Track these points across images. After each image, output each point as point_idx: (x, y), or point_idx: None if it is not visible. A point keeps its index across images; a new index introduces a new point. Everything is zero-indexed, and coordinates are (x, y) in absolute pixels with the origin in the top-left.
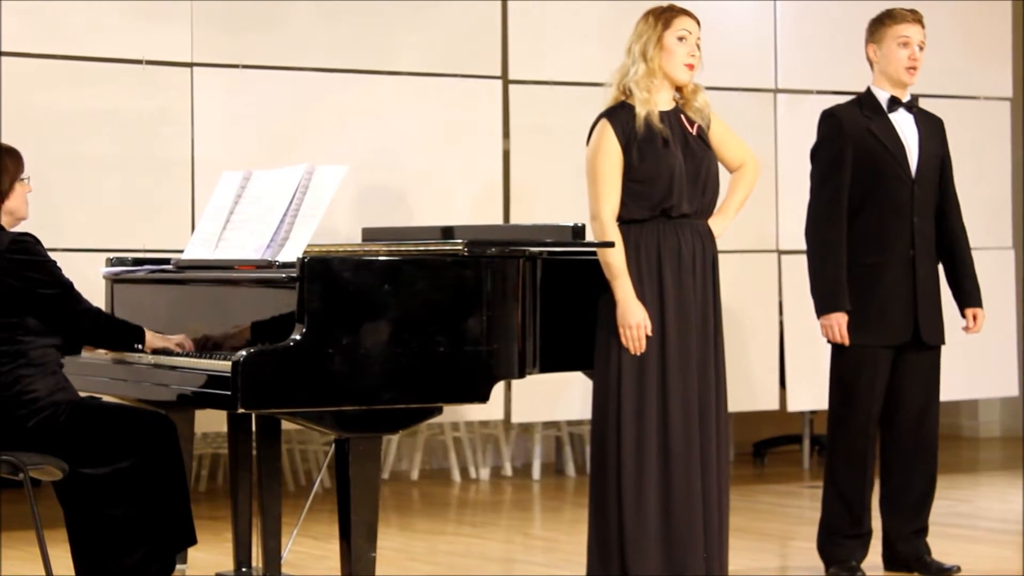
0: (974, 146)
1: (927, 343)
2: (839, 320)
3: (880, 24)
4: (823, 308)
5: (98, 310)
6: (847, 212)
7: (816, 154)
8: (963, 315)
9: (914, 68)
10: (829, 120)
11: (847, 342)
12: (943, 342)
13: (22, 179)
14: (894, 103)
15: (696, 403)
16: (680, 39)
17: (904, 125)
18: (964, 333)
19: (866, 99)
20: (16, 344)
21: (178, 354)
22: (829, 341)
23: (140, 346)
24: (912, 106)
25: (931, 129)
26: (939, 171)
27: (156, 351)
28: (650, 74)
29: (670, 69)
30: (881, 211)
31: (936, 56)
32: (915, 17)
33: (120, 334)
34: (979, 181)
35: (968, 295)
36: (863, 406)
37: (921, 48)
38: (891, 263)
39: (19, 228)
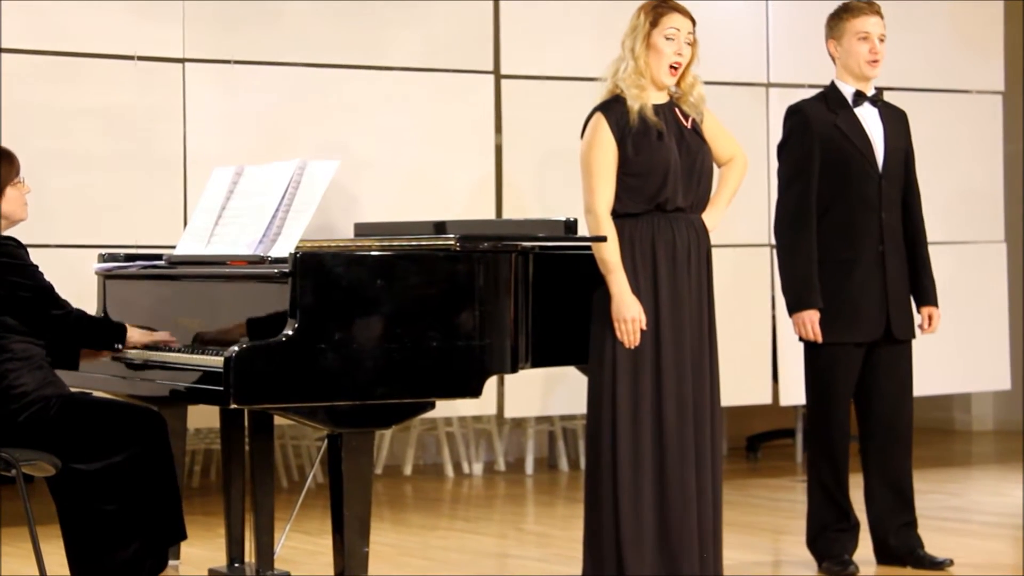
0: (965, 140)
1: (898, 338)
2: (811, 317)
3: (838, 19)
4: (795, 306)
5: (78, 313)
6: (816, 208)
7: (783, 151)
8: (919, 312)
9: (876, 61)
10: (795, 116)
11: (820, 339)
12: (914, 336)
13: (16, 182)
14: (859, 97)
15: (690, 397)
16: (668, 38)
17: (869, 119)
18: (943, 330)
19: (831, 94)
20: None
21: (167, 349)
22: (801, 339)
23: (120, 345)
24: (877, 100)
25: (896, 123)
26: (904, 165)
27: (145, 347)
28: (638, 72)
29: (655, 70)
30: (849, 207)
31: (927, 50)
32: (872, 9)
33: (100, 334)
34: (970, 175)
35: (925, 293)
36: (839, 402)
37: (881, 40)
38: (861, 259)
39: (13, 231)
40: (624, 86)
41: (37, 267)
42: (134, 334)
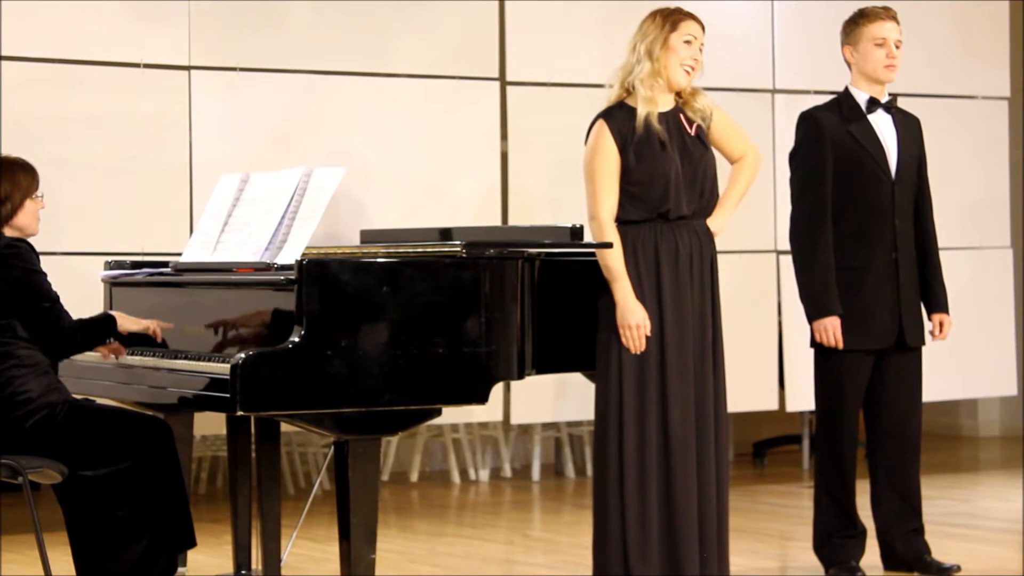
0: (972, 146)
1: (910, 346)
2: (832, 324)
3: (854, 25)
4: (815, 313)
5: (76, 323)
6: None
7: (795, 158)
8: (930, 319)
9: (892, 66)
10: (807, 123)
11: (841, 345)
12: (924, 343)
13: (35, 196)
14: (873, 104)
15: (694, 403)
16: (686, 42)
17: (883, 126)
18: (950, 337)
19: (844, 100)
20: (5, 346)
21: (176, 356)
22: (817, 346)
23: (113, 338)
24: (891, 106)
25: (909, 129)
26: (916, 171)
27: (134, 332)
28: (654, 73)
29: (671, 71)
30: (862, 213)
31: (933, 56)
32: (889, 14)
33: (95, 334)
34: (976, 180)
35: (937, 300)
36: (848, 409)
37: (897, 46)
38: (874, 266)
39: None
40: (641, 87)
41: (45, 275)
42: (125, 322)
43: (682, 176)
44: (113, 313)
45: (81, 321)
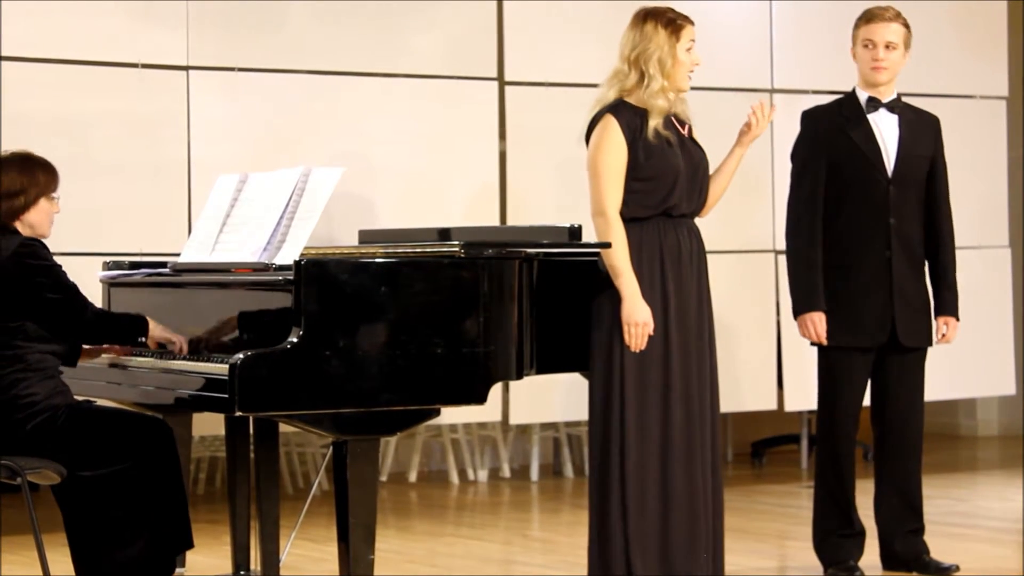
0: (970, 145)
1: (906, 346)
2: (815, 319)
3: (855, 26)
4: (799, 308)
5: (100, 312)
6: (824, 213)
7: (793, 155)
8: (936, 321)
9: (878, 68)
10: (805, 121)
11: (824, 341)
12: (926, 343)
13: (52, 197)
14: (873, 103)
15: (696, 401)
16: (688, 50)
17: (884, 126)
18: (955, 336)
19: (847, 100)
20: (14, 349)
21: (174, 357)
22: (818, 345)
23: (144, 339)
24: (896, 106)
25: (918, 129)
26: (925, 172)
27: (159, 343)
28: (665, 89)
29: (680, 82)
30: (856, 212)
31: (932, 55)
32: (883, 16)
33: (125, 330)
34: (975, 180)
35: (944, 303)
36: (843, 407)
37: (888, 47)
38: (867, 264)
39: None
40: (655, 99)
41: (61, 267)
42: (156, 330)
43: (685, 174)
44: (148, 319)
45: (114, 313)
